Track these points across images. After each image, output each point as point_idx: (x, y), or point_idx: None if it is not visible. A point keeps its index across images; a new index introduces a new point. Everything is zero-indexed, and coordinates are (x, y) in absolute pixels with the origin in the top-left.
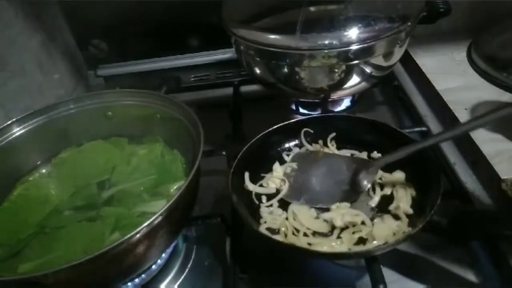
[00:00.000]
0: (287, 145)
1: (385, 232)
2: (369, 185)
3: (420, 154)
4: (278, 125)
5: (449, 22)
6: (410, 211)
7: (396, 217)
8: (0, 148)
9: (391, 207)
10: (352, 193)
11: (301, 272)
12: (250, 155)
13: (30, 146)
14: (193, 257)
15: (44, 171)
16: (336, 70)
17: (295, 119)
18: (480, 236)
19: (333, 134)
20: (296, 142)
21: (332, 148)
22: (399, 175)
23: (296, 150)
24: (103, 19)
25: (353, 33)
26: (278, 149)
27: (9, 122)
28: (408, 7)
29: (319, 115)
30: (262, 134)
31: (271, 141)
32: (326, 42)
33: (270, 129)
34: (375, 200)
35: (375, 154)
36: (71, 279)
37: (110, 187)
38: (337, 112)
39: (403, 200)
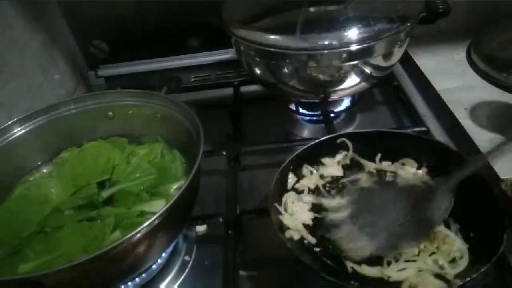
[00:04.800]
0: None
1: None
2: (444, 217)
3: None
4: (322, 139)
5: (448, 22)
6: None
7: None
8: (1, 148)
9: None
10: (423, 229)
11: (301, 271)
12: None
13: (31, 146)
14: (193, 257)
15: (44, 171)
16: (336, 71)
17: (339, 133)
18: None
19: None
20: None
21: (381, 167)
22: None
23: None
24: (104, 19)
25: (352, 33)
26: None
27: (10, 122)
28: (407, 7)
29: (363, 130)
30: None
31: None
32: (326, 42)
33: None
34: None
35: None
36: (72, 278)
37: (110, 186)
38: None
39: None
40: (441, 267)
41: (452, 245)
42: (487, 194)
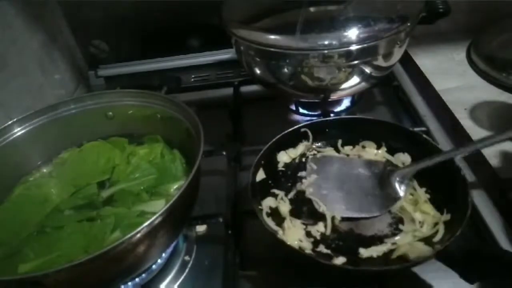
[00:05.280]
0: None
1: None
2: (404, 192)
3: (446, 168)
4: (285, 132)
5: (448, 22)
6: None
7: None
8: (1, 148)
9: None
10: (387, 201)
11: (301, 271)
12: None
13: (31, 146)
14: (193, 257)
15: (44, 171)
16: (336, 71)
17: (302, 124)
18: (493, 279)
19: (340, 140)
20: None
21: (344, 152)
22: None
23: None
24: (104, 19)
25: (353, 33)
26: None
27: (10, 122)
28: (407, 7)
29: (325, 119)
30: (272, 141)
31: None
32: (326, 42)
33: (278, 136)
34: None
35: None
36: (72, 278)
37: (110, 186)
38: (338, 114)
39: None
40: (425, 235)
41: (431, 215)
42: (453, 172)
